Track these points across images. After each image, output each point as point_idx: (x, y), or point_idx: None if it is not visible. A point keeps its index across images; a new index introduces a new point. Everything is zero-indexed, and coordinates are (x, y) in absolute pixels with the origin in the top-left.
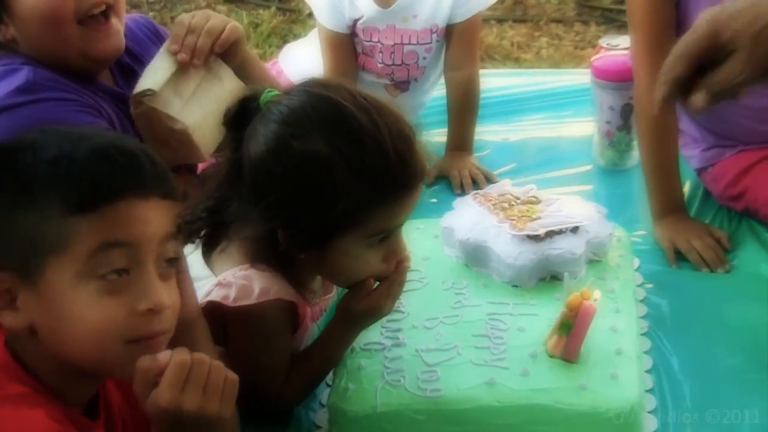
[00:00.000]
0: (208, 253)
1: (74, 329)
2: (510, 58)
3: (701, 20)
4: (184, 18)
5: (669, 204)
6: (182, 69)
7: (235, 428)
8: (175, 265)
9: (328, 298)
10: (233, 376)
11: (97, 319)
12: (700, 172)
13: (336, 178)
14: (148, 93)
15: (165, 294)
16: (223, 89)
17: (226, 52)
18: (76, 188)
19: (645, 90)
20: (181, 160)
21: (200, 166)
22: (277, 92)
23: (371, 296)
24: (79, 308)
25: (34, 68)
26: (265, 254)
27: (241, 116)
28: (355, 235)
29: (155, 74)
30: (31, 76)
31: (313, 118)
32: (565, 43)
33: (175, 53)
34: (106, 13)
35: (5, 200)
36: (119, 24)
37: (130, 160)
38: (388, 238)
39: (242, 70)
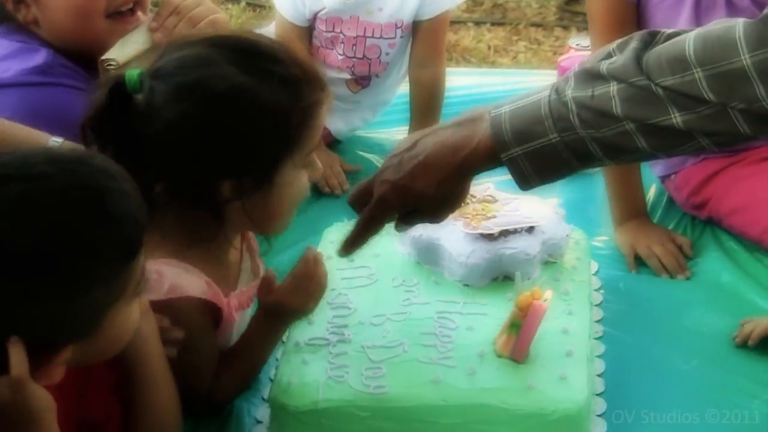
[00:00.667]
0: None
1: None
2: (487, 62)
3: None
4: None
5: (630, 210)
6: (157, 46)
7: None
8: None
9: (256, 284)
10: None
11: None
12: (663, 179)
13: (272, 101)
14: (113, 63)
15: None
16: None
17: None
18: None
19: None
20: None
21: None
22: (138, 69)
23: (278, 290)
24: None
25: (53, 52)
26: (194, 224)
27: (113, 112)
28: (294, 159)
29: (127, 46)
30: (49, 59)
31: (218, 56)
32: (544, 48)
33: (153, 31)
34: (133, 9)
35: None
36: (144, 17)
37: None
38: (311, 161)
39: None
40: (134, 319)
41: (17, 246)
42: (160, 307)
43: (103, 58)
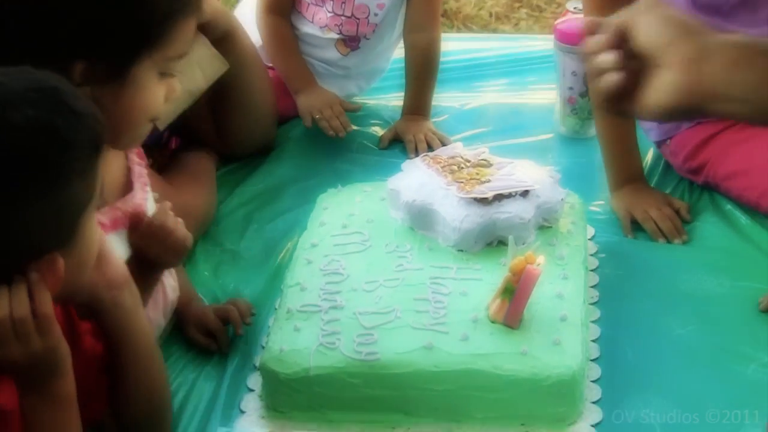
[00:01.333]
0: None
1: None
2: (488, 29)
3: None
4: None
5: (626, 174)
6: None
7: None
8: None
9: (127, 199)
10: None
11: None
12: (659, 144)
13: None
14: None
15: None
16: (189, 57)
17: (201, 27)
18: None
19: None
20: None
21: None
22: None
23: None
24: None
25: None
26: None
27: None
28: (156, 57)
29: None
30: None
31: None
32: (546, 14)
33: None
34: None
35: None
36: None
37: None
38: (170, 76)
39: (224, 43)
40: (98, 234)
41: None
42: None
43: None
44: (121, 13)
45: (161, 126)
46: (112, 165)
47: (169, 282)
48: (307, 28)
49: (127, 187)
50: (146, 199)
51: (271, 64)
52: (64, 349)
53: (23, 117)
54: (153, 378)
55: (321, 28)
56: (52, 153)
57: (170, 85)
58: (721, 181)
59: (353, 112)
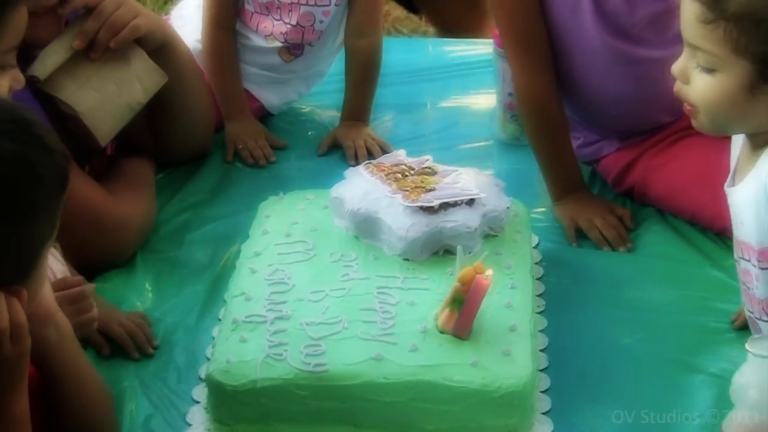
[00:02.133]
0: None
1: None
2: (418, 32)
3: None
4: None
5: (566, 185)
6: (78, 53)
7: None
8: None
9: None
10: None
11: None
12: (588, 164)
13: None
14: (36, 78)
15: None
16: (128, 72)
17: (138, 39)
18: None
19: (521, 76)
20: (84, 145)
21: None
22: None
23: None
24: None
25: None
26: None
27: None
28: None
29: (47, 58)
30: None
31: None
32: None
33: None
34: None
35: None
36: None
37: None
38: (11, 67)
39: (161, 54)
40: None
41: None
42: None
43: (28, 73)
44: None
45: (103, 142)
46: None
47: (57, 267)
48: (251, 37)
49: None
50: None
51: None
52: (27, 363)
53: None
54: (85, 405)
55: (265, 37)
56: (23, 186)
57: (14, 76)
58: (654, 203)
59: (279, 148)
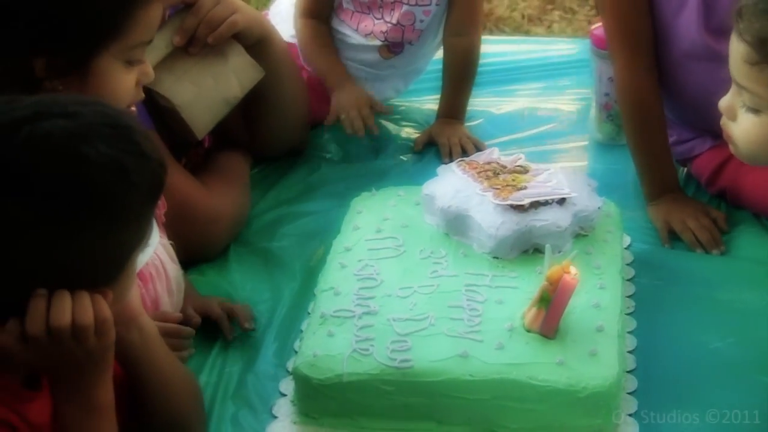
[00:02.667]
0: None
1: None
2: (520, 31)
3: None
4: None
5: (662, 185)
6: (177, 49)
7: None
8: None
9: None
10: None
11: None
12: (683, 163)
13: None
14: None
15: None
16: (225, 66)
17: (235, 35)
18: None
19: (623, 76)
20: (181, 138)
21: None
22: None
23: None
24: None
25: None
26: None
27: None
28: (115, 48)
29: (149, 52)
30: None
31: None
32: (579, 17)
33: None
34: None
35: None
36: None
37: None
38: (139, 62)
39: (258, 49)
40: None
41: (71, 180)
42: None
43: None
44: (73, 7)
45: (200, 135)
46: None
47: (168, 261)
48: (351, 35)
49: None
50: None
51: (305, 65)
52: (111, 357)
53: (97, 152)
54: (170, 402)
55: (366, 35)
56: (119, 192)
57: (142, 71)
58: (748, 205)
59: (385, 114)
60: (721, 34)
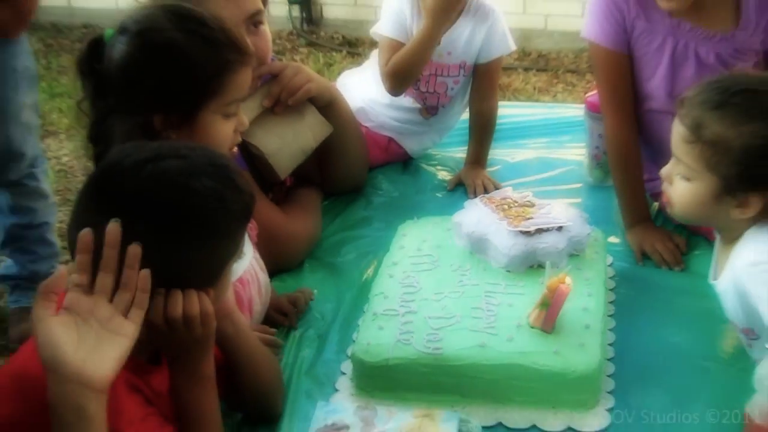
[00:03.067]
0: None
1: None
2: (532, 100)
3: None
4: (280, 67)
5: (636, 216)
6: (266, 109)
7: None
8: None
9: None
10: None
11: None
12: (654, 197)
13: (194, 53)
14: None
15: None
16: (302, 123)
17: (310, 98)
18: None
19: (611, 128)
20: (268, 178)
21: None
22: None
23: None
24: None
25: None
26: None
27: (91, 55)
28: (215, 105)
29: (245, 112)
30: None
31: (162, 17)
32: (578, 89)
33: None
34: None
35: None
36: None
37: None
38: (235, 115)
39: (328, 110)
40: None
41: (182, 206)
42: None
43: None
44: (183, 76)
45: (282, 177)
46: None
47: (259, 271)
48: (399, 100)
49: None
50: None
51: (365, 124)
52: (212, 340)
53: (202, 186)
54: (258, 380)
55: (410, 100)
56: (219, 217)
57: (238, 121)
58: (704, 233)
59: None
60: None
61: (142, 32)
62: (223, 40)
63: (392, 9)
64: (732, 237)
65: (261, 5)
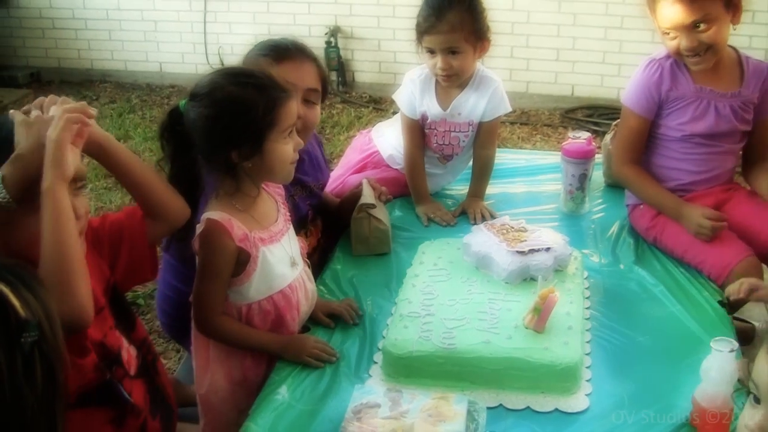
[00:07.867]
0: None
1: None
2: (516, 147)
3: None
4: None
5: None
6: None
7: None
8: None
9: (277, 227)
10: None
11: None
12: (632, 207)
13: (249, 99)
14: (371, 206)
15: None
16: (383, 208)
17: None
18: None
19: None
20: (372, 251)
21: None
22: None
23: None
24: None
25: None
26: (223, 183)
27: (173, 122)
28: (275, 134)
29: (370, 197)
30: None
31: (220, 78)
32: (553, 139)
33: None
34: None
35: None
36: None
37: None
38: (291, 138)
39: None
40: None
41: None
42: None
43: (361, 203)
44: (249, 116)
45: (389, 250)
46: (267, 203)
47: (306, 279)
48: (426, 151)
49: (285, 216)
50: (288, 228)
51: (394, 167)
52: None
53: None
54: (143, 183)
55: (432, 150)
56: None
57: (297, 141)
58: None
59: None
60: None
61: (208, 93)
62: (268, 83)
63: (407, 90)
64: None
65: (317, 85)
